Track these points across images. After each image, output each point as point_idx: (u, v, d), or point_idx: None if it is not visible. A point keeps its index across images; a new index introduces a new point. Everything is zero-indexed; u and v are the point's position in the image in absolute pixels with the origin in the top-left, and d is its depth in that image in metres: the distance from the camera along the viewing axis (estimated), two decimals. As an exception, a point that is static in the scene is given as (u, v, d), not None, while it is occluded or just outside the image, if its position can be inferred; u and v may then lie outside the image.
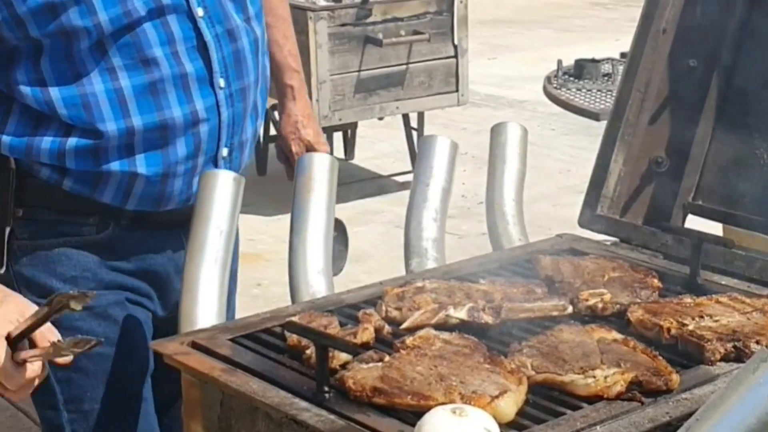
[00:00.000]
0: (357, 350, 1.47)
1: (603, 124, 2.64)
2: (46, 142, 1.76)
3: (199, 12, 1.78)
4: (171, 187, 1.83)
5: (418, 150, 2.12)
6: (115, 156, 1.77)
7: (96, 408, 1.87)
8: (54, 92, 1.73)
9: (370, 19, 5.60)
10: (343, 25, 5.53)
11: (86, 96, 1.73)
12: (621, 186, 2.10)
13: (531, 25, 10.59)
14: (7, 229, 1.81)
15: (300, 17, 5.51)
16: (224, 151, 1.86)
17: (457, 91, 5.93)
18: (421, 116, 6.12)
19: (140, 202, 1.82)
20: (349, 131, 6.35)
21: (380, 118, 6.03)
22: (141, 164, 1.78)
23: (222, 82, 1.82)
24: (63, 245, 1.83)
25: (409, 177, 6.24)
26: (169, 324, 1.83)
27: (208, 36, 1.80)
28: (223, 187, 1.78)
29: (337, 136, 6.25)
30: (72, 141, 1.75)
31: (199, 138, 1.81)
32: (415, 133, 6.27)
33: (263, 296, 4.42)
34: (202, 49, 1.79)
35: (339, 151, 6.45)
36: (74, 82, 1.73)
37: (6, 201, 1.80)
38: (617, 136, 2.10)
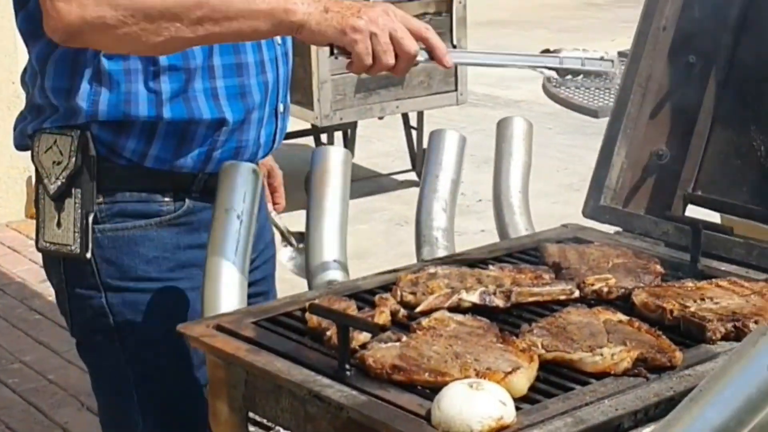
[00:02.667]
0: (377, 329, 1.54)
1: (599, 123, 2.71)
2: (141, 89, 1.85)
3: None
4: (247, 135, 1.96)
5: (428, 143, 2.20)
6: (203, 100, 1.88)
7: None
8: None
9: (371, 20, 5.67)
10: (343, 25, 5.61)
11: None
12: (623, 178, 2.18)
13: (526, 26, 10.69)
14: (91, 216, 1.89)
15: (301, 18, 5.60)
16: (281, 107, 2.02)
17: (456, 90, 6.02)
18: (420, 115, 6.20)
19: (223, 153, 1.93)
20: (349, 130, 6.43)
21: (380, 118, 6.11)
22: (227, 110, 1.90)
23: (279, 39, 1.98)
24: (143, 228, 1.92)
25: (409, 175, 6.38)
26: None
27: None
28: (243, 178, 1.86)
29: (338, 135, 6.33)
30: (165, 86, 1.86)
31: (267, 87, 1.96)
32: (414, 133, 6.35)
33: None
34: None
35: (339, 150, 6.53)
36: None
37: (90, 188, 1.88)
38: (620, 129, 2.17)
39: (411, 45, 1.73)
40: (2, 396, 3.88)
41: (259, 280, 2.11)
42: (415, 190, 6.92)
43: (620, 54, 4.26)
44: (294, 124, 6.02)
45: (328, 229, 1.98)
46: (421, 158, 6.19)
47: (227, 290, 1.80)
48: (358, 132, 6.48)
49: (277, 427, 1.61)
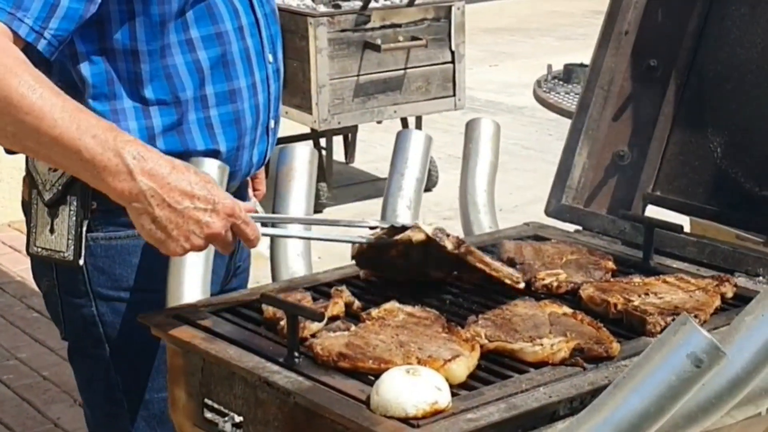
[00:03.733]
0: (322, 317, 1.60)
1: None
2: (132, 126, 1.84)
3: None
4: (240, 161, 1.96)
5: (394, 143, 2.26)
6: (197, 131, 1.88)
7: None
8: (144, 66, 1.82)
9: (369, 25, 5.74)
10: (342, 30, 5.68)
11: (168, 68, 1.84)
12: (585, 178, 2.23)
13: (533, 33, 10.74)
14: (85, 223, 1.88)
15: (300, 23, 5.66)
16: (272, 123, 2.01)
17: (454, 95, 6.07)
18: (419, 121, 6.26)
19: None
20: (350, 135, 6.49)
21: (379, 122, 6.17)
22: (221, 139, 1.90)
23: (270, 57, 1.98)
24: (136, 237, 1.85)
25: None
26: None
27: (259, 13, 1.95)
28: (209, 173, 1.91)
29: (338, 140, 6.40)
30: (157, 120, 1.85)
31: (258, 109, 1.95)
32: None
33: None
34: (256, 25, 1.95)
35: (339, 155, 6.60)
36: (159, 56, 1.83)
37: (85, 196, 1.87)
38: (582, 130, 2.23)
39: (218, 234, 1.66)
40: (-3, 392, 3.96)
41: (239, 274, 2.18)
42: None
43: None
44: (293, 128, 6.11)
45: (292, 224, 2.03)
46: (420, 163, 6.25)
47: (190, 282, 1.85)
48: (359, 136, 6.54)
49: (232, 413, 1.67)
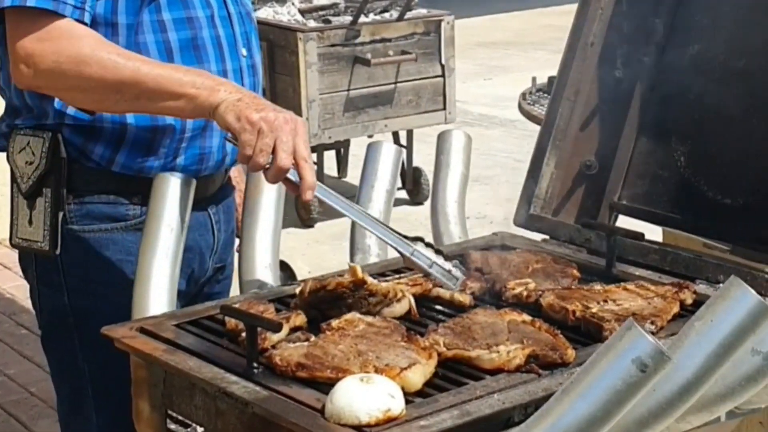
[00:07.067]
0: (279, 327, 1.62)
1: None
2: None
3: None
4: (210, 143, 2.04)
5: (365, 155, 2.28)
6: None
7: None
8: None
9: (359, 40, 5.78)
10: (332, 45, 5.71)
11: (139, 45, 1.94)
12: (553, 188, 2.25)
13: (527, 47, 10.77)
14: (60, 214, 1.98)
15: (290, 38, 5.70)
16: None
17: (444, 109, 6.10)
18: (410, 135, 6.29)
19: (187, 159, 2.02)
20: (342, 150, 6.52)
21: (369, 136, 6.20)
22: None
23: (244, 51, 2.07)
24: (110, 231, 2.02)
25: (399, 194, 6.43)
26: (193, 300, 2.06)
27: (232, 10, 2.06)
28: (174, 189, 1.94)
29: (329, 155, 6.42)
30: None
31: None
32: (404, 151, 6.43)
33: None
34: (229, 19, 2.05)
35: (332, 169, 6.62)
36: (134, 32, 1.94)
37: (60, 188, 1.98)
38: (549, 141, 2.25)
39: (284, 160, 1.77)
40: (-17, 407, 3.98)
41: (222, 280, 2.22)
42: (406, 208, 7.02)
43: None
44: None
45: (261, 236, 2.05)
46: (411, 177, 6.28)
47: (156, 295, 1.88)
48: (352, 150, 6.56)
49: (194, 424, 1.69)
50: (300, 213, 5.88)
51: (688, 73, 2.16)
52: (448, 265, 1.84)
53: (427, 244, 1.86)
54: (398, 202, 6.38)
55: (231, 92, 1.81)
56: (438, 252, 1.85)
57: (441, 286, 1.86)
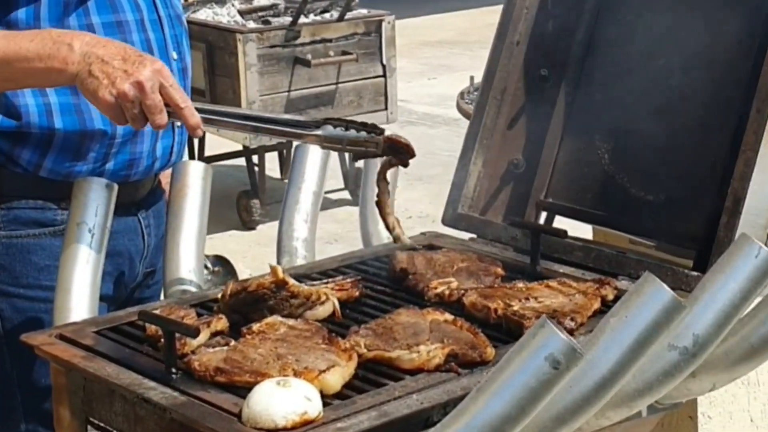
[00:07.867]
0: (197, 332, 1.60)
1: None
2: (30, 102, 1.93)
3: None
4: (141, 148, 2.04)
5: (293, 157, 2.27)
6: (95, 111, 1.92)
7: None
8: None
9: (299, 41, 5.77)
10: (272, 46, 5.70)
11: None
12: (480, 186, 2.26)
13: (472, 46, 10.80)
14: None
15: (229, 39, 5.67)
16: (178, 122, 2.02)
17: (386, 109, 6.10)
18: (353, 135, 6.27)
19: (116, 164, 2.01)
20: (285, 151, 6.50)
21: (312, 137, 6.18)
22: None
23: (175, 55, 2.07)
24: (37, 236, 2.01)
25: (343, 194, 6.43)
26: (123, 305, 2.05)
27: (162, 13, 2.06)
28: (95, 193, 1.92)
29: (271, 156, 6.40)
30: (53, 98, 1.94)
31: None
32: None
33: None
34: (159, 23, 2.05)
35: (275, 171, 6.60)
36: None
37: None
38: (476, 140, 2.26)
39: (158, 120, 1.77)
40: None
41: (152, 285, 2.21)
42: (348, 209, 6.99)
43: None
44: (225, 146, 6.10)
45: (185, 241, 2.04)
46: (353, 177, 6.28)
47: (77, 302, 1.86)
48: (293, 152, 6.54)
49: (115, 431, 1.67)
50: (242, 215, 5.86)
51: (611, 70, 2.17)
52: (363, 135, 1.83)
53: (336, 123, 1.85)
54: (341, 203, 6.38)
55: (77, 63, 1.78)
56: (349, 127, 1.84)
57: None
